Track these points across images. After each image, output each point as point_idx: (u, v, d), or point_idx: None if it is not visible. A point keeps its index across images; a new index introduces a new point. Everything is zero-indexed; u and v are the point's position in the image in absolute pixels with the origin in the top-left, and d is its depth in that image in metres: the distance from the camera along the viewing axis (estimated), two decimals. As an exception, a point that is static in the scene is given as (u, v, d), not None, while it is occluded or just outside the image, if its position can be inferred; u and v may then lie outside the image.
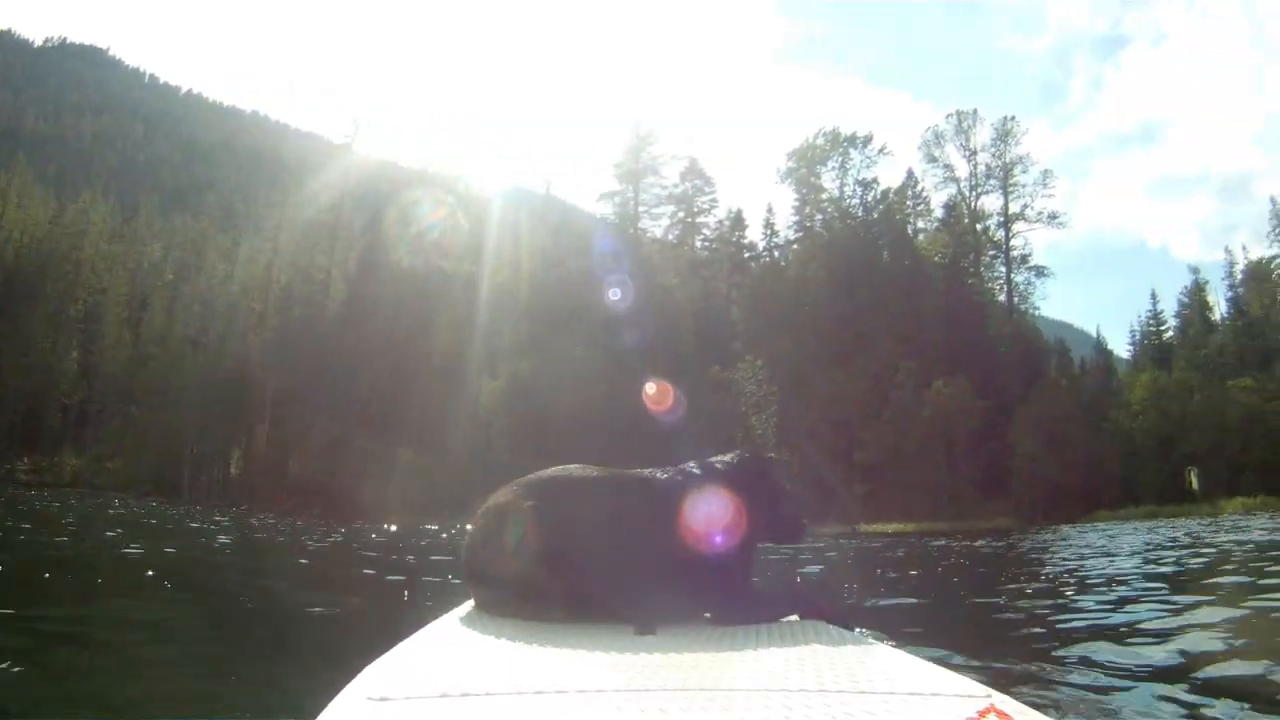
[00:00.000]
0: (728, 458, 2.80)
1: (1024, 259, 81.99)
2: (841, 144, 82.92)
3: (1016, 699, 1.53)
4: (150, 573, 8.55)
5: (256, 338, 73.92)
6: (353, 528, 30.63)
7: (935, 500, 59.08)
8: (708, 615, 2.57)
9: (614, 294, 67.83)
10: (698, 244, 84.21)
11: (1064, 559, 14.97)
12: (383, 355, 66.09)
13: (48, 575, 8.38)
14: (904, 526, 50.55)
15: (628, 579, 2.52)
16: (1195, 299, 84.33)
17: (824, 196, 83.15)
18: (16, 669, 3.86)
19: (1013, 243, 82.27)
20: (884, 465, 63.30)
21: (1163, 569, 11.18)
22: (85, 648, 4.58)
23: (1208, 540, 17.29)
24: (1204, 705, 3.40)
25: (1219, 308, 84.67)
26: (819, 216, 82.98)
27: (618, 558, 2.54)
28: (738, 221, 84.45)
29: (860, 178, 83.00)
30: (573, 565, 2.49)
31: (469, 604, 2.64)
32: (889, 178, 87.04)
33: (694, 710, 1.38)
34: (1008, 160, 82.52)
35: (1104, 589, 8.82)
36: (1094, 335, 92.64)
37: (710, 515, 2.58)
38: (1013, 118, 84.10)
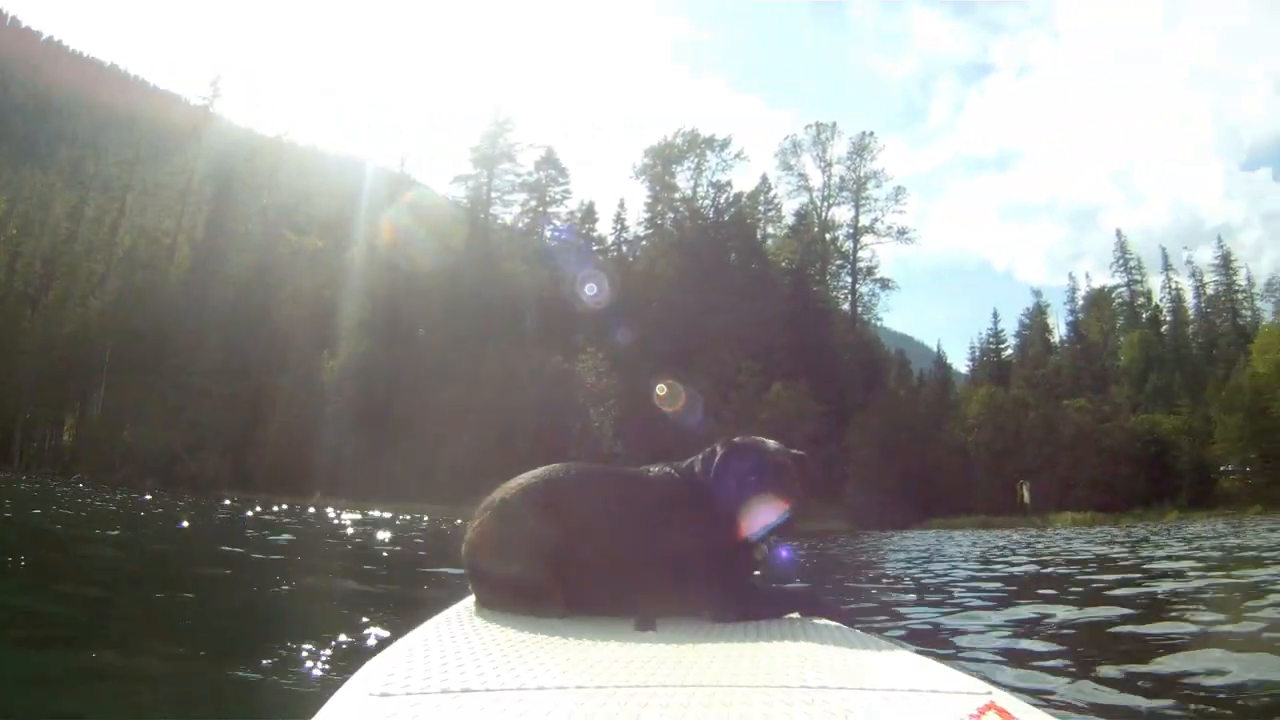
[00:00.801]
0: (717, 449, 2.72)
1: (870, 271, 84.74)
2: (699, 145, 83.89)
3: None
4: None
5: (97, 300, 71.63)
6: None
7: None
8: (707, 613, 2.53)
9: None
10: (548, 234, 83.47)
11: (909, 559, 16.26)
12: (226, 326, 64.53)
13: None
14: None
15: (626, 575, 2.54)
16: (1036, 321, 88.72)
17: (677, 195, 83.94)
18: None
19: (860, 254, 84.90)
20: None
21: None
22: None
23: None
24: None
25: (1059, 331, 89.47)
26: (670, 215, 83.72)
27: (617, 554, 2.55)
28: (589, 214, 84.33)
29: (715, 179, 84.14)
30: (573, 563, 2.49)
31: (470, 600, 2.65)
32: (743, 182, 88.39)
33: (694, 706, 1.39)
34: (862, 174, 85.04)
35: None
36: (934, 349, 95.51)
37: (708, 512, 2.60)
38: (870, 133, 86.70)
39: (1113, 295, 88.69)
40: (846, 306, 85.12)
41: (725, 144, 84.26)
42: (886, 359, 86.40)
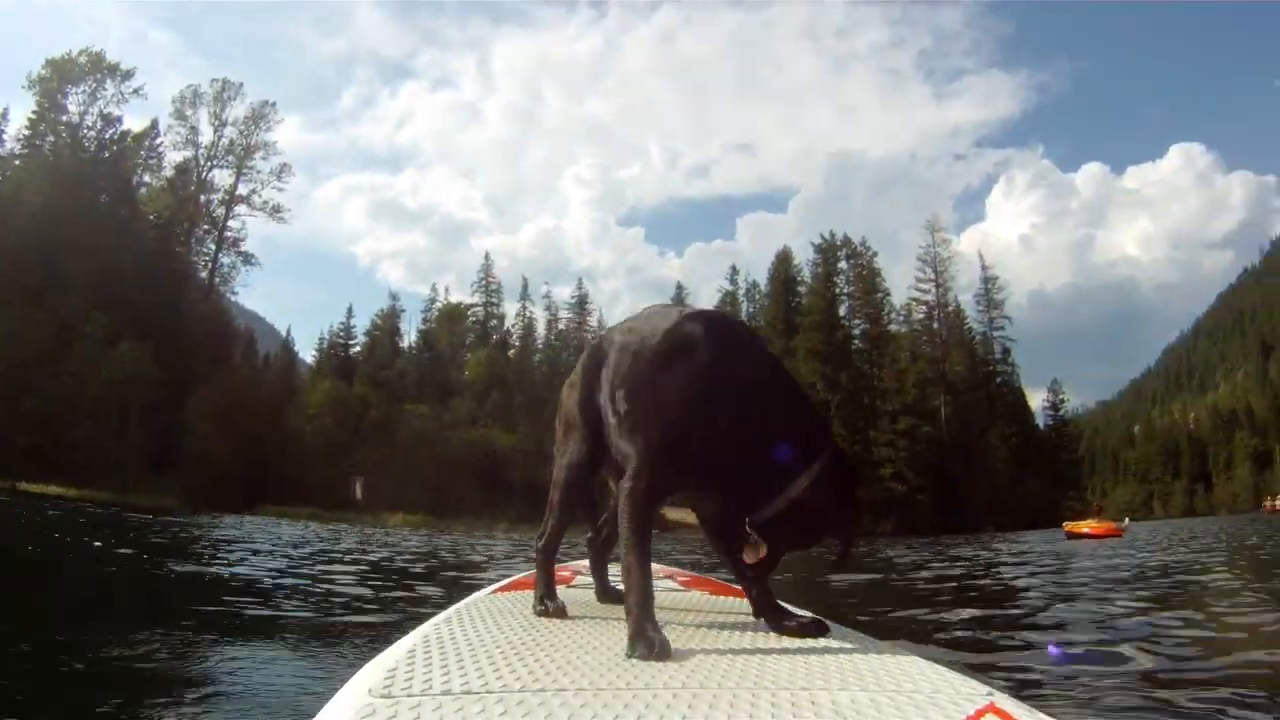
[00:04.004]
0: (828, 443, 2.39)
1: (236, 242, 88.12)
2: (102, 69, 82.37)
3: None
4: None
5: None
6: None
7: (101, 467, 59.87)
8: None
9: None
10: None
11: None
12: None
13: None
14: (76, 491, 50.99)
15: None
16: (388, 323, 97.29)
17: (64, 119, 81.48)
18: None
19: (230, 223, 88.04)
20: (57, 419, 63.05)
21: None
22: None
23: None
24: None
25: (409, 336, 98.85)
26: (51, 138, 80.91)
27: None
28: (-34, 124, 76.89)
29: (107, 111, 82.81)
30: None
31: (470, 600, 3.01)
32: (135, 121, 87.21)
33: (697, 708, 1.50)
34: (252, 142, 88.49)
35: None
36: (284, 334, 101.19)
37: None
38: (273, 104, 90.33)
39: (469, 312, 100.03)
40: (205, 274, 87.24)
41: (129, 75, 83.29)
42: (236, 335, 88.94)
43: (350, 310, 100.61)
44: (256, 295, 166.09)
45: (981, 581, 12.96)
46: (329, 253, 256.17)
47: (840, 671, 1.84)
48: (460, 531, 49.11)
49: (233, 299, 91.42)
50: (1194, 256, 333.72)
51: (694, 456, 2.26)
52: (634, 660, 1.89)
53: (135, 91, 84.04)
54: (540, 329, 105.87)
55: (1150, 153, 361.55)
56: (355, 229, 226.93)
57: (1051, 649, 4.11)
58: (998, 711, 1.48)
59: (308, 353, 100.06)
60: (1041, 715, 1.49)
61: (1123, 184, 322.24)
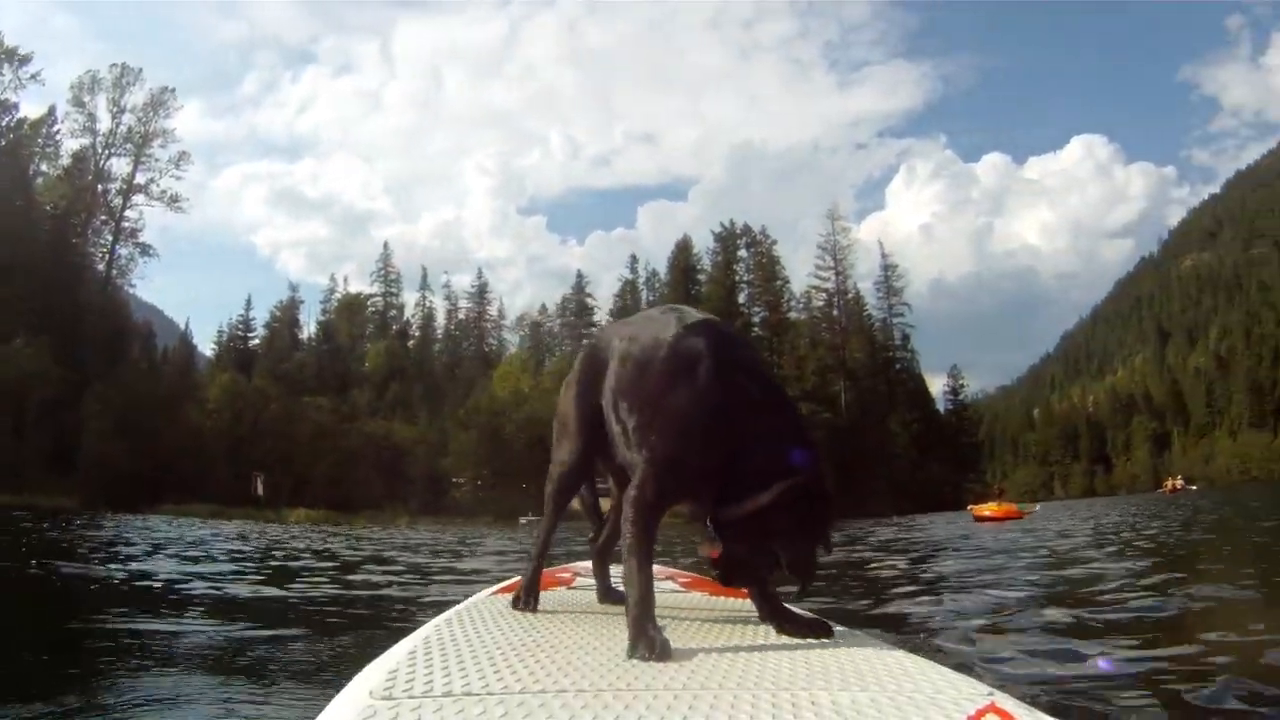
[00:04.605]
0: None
1: (134, 233, 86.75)
2: (1, 54, 78.76)
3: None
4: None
5: None
6: None
7: (-1, 468, 56.56)
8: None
9: None
10: None
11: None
12: None
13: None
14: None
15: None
16: (287, 314, 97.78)
17: None
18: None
19: (128, 214, 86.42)
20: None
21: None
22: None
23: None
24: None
25: (309, 328, 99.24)
26: None
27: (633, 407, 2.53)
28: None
29: (3, 98, 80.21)
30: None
31: (470, 601, 2.99)
32: (32, 108, 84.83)
33: (697, 709, 1.50)
34: (150, 130, 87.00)
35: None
36: (182, 326, 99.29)
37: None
38: (172, 90, 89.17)
39: (368, 303, 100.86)
40: (102, 266, 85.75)
41: (26, 60, 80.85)
42: (134, 328, 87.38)
43: (249, 302, 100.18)
44: (154, 287, 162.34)
45: (939, 569, 13.04)
46: (228, 243, 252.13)
47: (841, 672, 1.88)
48: (362, 526, 49.32)
49: (130, 291, 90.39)
50: (1094, 246, 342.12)
51: (694, 468, 2.30)
52: (634, 661, 1.93)
53: (33, 77, 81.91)
54: (440, 319, 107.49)
55: (1052, 143, 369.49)
56: (254, 218, 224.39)
57: (1101, 663, 4.17)
58: (998, 711, 1.52)
59: (207, 346, 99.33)
60: (1042, 715, 1.54)
61: (1023, 174, 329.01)
